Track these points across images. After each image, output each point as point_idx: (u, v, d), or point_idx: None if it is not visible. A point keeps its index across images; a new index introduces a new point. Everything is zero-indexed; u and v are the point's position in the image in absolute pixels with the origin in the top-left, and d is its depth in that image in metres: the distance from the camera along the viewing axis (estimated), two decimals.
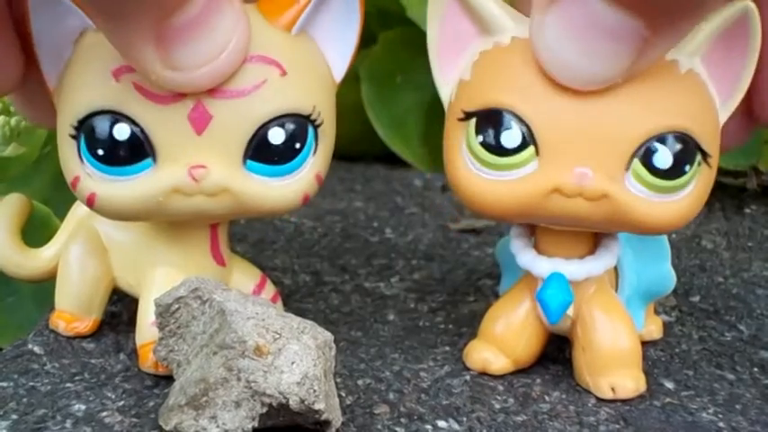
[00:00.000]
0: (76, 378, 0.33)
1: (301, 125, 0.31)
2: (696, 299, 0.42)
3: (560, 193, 0.30)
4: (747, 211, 0.53)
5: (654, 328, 0.37)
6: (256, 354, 0.28)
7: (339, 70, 0.33)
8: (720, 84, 0.30)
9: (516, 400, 0.33)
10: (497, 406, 0.32)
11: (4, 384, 0.32)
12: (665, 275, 0.36)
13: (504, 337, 0.34)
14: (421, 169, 0.57)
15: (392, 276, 0.43)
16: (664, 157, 0.29)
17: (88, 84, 0.30)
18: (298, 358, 0.28)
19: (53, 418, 0.30)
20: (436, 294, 0.41)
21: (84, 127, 0.30)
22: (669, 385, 0.34)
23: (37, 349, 0.35)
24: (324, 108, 0.32)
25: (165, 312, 0.30)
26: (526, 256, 0.33)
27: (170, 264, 0.34)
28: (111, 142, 0.30)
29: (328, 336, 0.30)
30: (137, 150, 0.30)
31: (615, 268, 0.35)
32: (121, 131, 0.30)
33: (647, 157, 0.29)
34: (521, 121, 0.30)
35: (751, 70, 0.30)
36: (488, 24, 0.31)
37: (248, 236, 0.47)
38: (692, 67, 0.30)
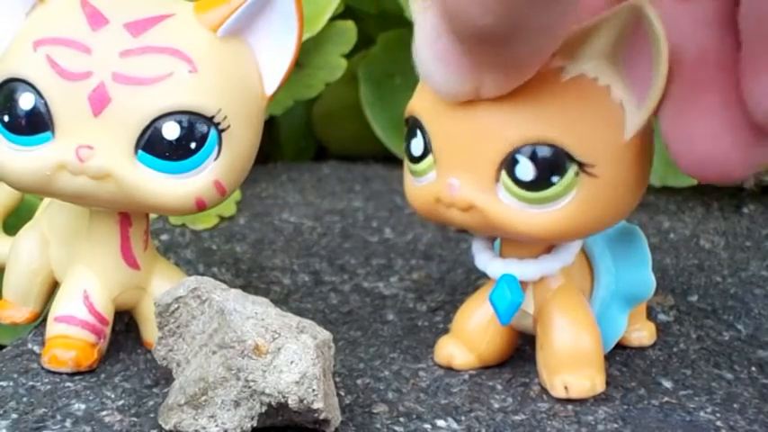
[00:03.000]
0: (76, 377, 0.33)
1: (200, 125, 0.30)
2: (694, 298, 0.42)
3: (441, 203, 0.31)
4: (745, 210, 0.53)
5: (645, 334, 0.37)
6: (255, 353, 0.28)
7: (271, 82, 0.32)
8: (633, 87, 0.29)
9: (515, 399, 0.33)
10: (496, 405, 0.32)
11: (4, 384, 0.32)
12: (645, 280, 0.35)
13: (471, 334, 0.34)
14: None
15: (391, 276, 0.43)
16: (525, 169, 0.29)
17: (13, 52, 0.31)
18: (297, 357, 0.28)
19: (53, 417, 0.30)
20: (435, 294, 0.41)
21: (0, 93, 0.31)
22: (667, 384, 0.34)
23: (37, 348, 0.35)
24: (237, 115, 0.31)
25: (165, 312, 0.30)
26: (482, 258, 0.33)
27: (84, 263, 0.34)
28: (17, 110, 0.30)
29: (327, 335, 0.30)
30: (38, 122, 0.30)
31: (591, 268, 0.34)
32: (26, 101, 0.30)
33: (510, 168, 0.29)
34: (423, 129, 0.31)
35: (661, 71, 0.28)
36: None
37: (247, 235, 0.47)
38: (584, 73, 0.29)
